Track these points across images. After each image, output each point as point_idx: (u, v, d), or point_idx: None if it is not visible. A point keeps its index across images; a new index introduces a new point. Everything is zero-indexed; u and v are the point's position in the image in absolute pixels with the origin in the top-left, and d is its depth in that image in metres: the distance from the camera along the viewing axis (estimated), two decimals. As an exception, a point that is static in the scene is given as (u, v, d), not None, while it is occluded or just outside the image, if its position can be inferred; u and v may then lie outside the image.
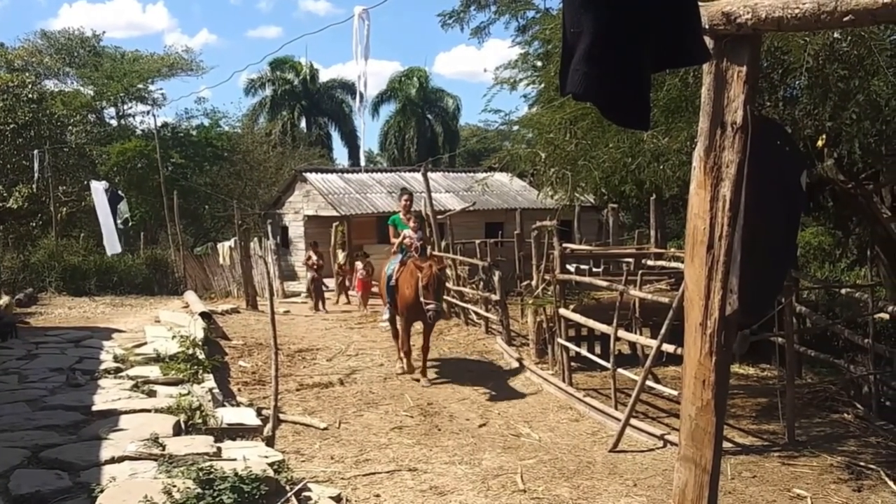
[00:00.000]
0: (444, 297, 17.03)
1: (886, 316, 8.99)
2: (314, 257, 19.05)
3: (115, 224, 20.07)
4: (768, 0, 2.61)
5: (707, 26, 2.73)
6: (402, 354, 10.69)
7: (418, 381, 10.06)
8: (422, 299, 9.52)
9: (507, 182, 23.14)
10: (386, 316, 11.38)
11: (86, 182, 23.26)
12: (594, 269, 14.04)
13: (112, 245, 19.89)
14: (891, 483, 6.40)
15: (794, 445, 7.40)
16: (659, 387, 8.48)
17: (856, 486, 6.41)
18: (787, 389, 7.72)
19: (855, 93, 6.97)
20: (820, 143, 7.62)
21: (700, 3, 2.55)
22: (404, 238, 10.69)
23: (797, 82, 7.72)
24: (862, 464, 6.86)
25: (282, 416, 8.00)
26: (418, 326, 10.69)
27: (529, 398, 9.46)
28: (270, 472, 5.20)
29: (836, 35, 6.70)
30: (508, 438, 7.74)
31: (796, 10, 2.49)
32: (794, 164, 3.02)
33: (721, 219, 2.90)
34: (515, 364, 10.98)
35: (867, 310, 9.13)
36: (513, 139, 11.36)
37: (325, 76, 51.87)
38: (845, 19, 2.33)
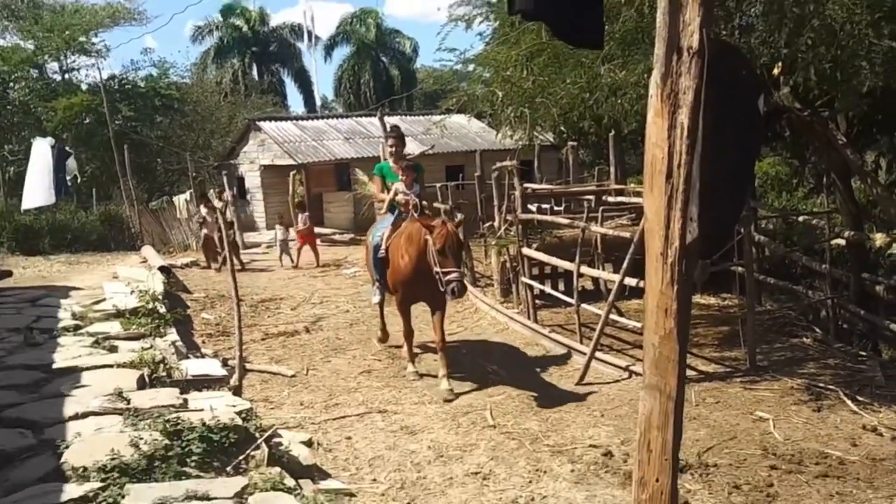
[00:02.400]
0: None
1: (843, 242, 9.17)
2: (203, 212, 16.57)
3: (64, 179, 19.55)
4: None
5: (662, -55, 2.67)
6: (404, 346, 8.20)
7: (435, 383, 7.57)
8: (437, 269, 6.98)
9: (466, 124, 22.93)
10: (376, 298, 8.73)
11: (31, 140, 22.56)
12: (555, 208, 14.09)
13: (46, 196, 19.27)
14: (849, 402, 6.61)
15: (755, 370, 7.59)
16: (623, 320, 8.61)
17: (815, 406, 6.62)
18: (747, 317, 7.88)
19: (810, 18, 6.96)
20: (776, 70, 7.62)
21: (655, -79, 2.48)
22: (396, 193, 8.09)
23: (753, 9, 7.71)
24: (821, 385, 7.07)
25: (248, 366, 7.97)
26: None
27: (496, 337, 9.55)
28: (239, 421, 5.19)
29: (791, -41, 6.67)
30: (477, 376, 7.83)
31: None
32: (752, 88, 3.00)
33: (679, 147, 2.86)
34: (481, 304, 11.04)
35: (824, 236, 9.31)
36: (469, 79, 11.13)
37: (275, 21, 50.57)
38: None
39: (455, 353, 8.56)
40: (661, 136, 2.89)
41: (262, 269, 16.53)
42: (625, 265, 7.48)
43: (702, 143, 2.83)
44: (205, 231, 16.67)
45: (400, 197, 8.05)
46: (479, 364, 8.27)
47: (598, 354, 7.81)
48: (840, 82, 7.46)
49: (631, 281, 7.61)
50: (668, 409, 2.91)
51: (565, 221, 10.30)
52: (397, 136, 8.53)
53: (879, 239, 7.97)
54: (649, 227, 2.98)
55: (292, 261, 16.74)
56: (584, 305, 8.87)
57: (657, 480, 2.87)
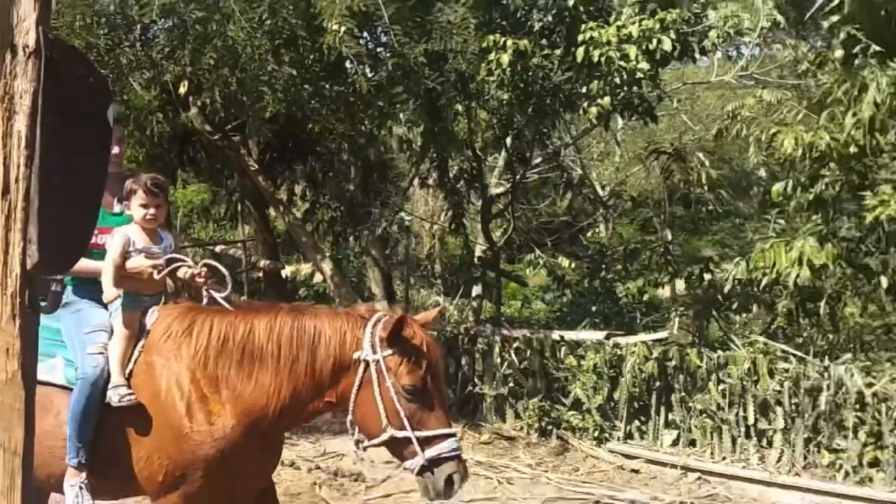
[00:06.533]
0: None
1: (260, 273, 9.94)
2: None
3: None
4: None
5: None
6: None
7: None
8: (410, 433, 3.46)
9: None
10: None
11: None
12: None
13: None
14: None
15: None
16: None
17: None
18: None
19: (213, 37, 7.47)
20: (182, 89, 7.99)
21: None
22: (124, 251, 3.76)
23: (160, 22, 7.97)
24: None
25: None
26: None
27: None
28: None
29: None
30: None
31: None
32: (101, 96, 3.04)
33: (17, 158, 2.78)
34: None
35: (241, 266, 9.98)
36: None
37: None
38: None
39: None
40: (-5, 144, 2.80)
41: None
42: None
43: (43, 155, 2.79)
44: None
45: (143, 263, 3.80)
46: None
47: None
48: (246, 106, 8.14)
49: None
50: (15, 467, 2.75)
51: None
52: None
53: (293, 269, 8.84)
54: (-16, 252, 2.84)
55: None
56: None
57: (4, 557, 2.70)
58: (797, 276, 7.02)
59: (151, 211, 3.73)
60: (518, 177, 11.33)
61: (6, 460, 2.85)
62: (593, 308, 10.28)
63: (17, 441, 2.87)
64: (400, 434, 3.42)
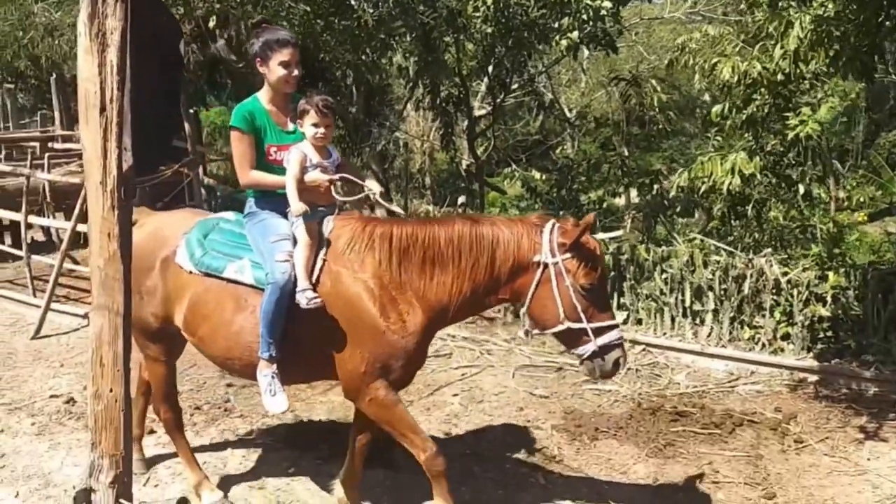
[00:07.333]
0: None
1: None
2: None
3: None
4: None
5: None
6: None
7: None
8: (586, 325, 3.49)
9: None
10: (279, 402, 3.62)
11: None
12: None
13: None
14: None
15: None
16: (80, 268, 8.29)
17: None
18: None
19: (239, -24, 7.57)
20: (212, 24, 8.07)
21: None
22: (301, 168, 3.67)
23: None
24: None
25: None
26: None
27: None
28: None
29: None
30: None
31: None
32: (172, 32, 3.30)
33: (111, 83, 3.04)
34: None
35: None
36: None
37: None
38: None
39: None
40: (93, 72, 3.05)
41: None
42: (77, 212, 7.23)
43: (131, 79, 3.04)
44: None
45: (319, 177, 3.69)
46: None
47: (54, 305, 7.43)
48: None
49: (85, 227, 7.38)
50: (117, 324, 3.11)
51: (6, 169, 9.45)
52: (295, 43, 3.92)
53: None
54: (88, 157, 3.12)
55: None
56: (35, 257, 8.34)
57: (111, 391, 3.07)
58: (730, 184, 7.32)
59: (322, 130, 3.67)
60: (498, 100, 11.50)
61: (111, 319, 3.22)
62: (561, 214, 10.57)
63: (118, 304, 3.22)
64: (576, 325, 3.45)
